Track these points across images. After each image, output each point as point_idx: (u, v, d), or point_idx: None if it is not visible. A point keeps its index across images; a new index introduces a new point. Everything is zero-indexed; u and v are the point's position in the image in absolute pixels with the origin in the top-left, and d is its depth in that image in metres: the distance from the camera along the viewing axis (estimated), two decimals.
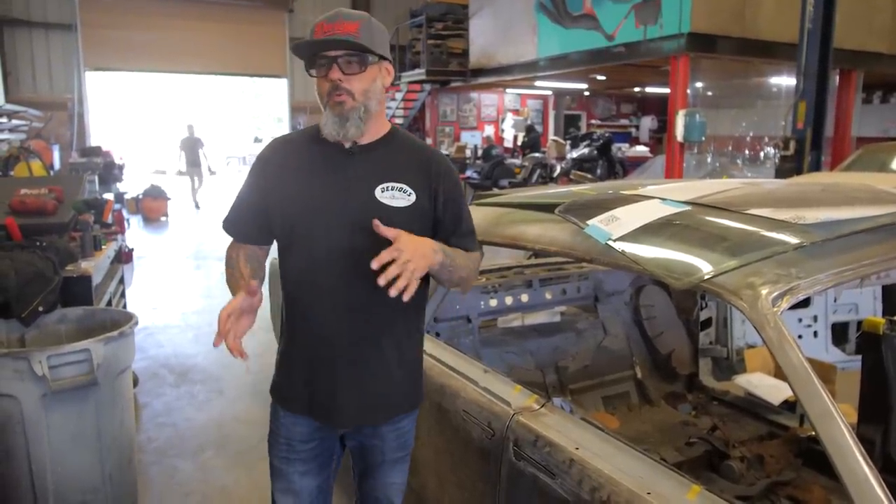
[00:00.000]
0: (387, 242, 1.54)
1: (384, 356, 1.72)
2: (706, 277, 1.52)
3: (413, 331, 1.80)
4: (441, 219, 1.72)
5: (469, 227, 1.79)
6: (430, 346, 2.36)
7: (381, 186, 1.64)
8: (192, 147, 13.96)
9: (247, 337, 1.70)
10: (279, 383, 1.82)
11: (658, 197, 1.99)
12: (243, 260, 1.79)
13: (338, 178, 1.66)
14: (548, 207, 2.17)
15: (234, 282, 1.76)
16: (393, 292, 1.45)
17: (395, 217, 1.62)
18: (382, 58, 1.65)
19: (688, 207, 1.87)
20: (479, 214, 2.49)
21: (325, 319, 1.68)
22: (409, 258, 1.47)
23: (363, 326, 1.68)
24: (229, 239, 1.84)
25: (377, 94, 1.64)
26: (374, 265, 1.46)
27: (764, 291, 1.42)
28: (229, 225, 1.81)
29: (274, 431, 1.83)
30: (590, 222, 1.89)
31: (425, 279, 1.70)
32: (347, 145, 1.66)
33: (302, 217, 1.66)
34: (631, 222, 1.82)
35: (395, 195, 1.65)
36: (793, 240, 1.58)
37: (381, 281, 1.45)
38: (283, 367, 1.80)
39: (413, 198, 1.66)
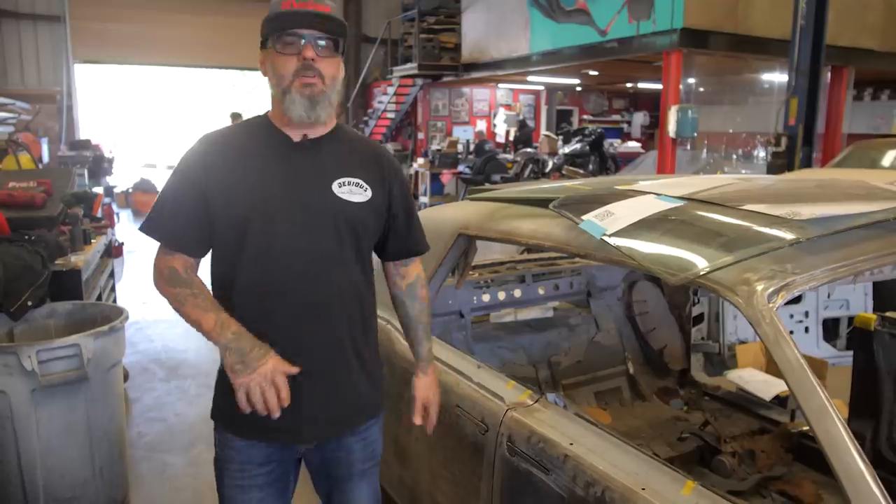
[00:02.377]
0: (349, 236, 1.57)
1: (346, 360, 1.62)
2: (702, 273, 1.52)
3: (370, 329, 1.70)
4: (396, 215, 1.70)
5: (419, 222, 1.79)
6: None
7: (338, 181, 1.57)
8: None
9: None
10: (224, 407, 1.60)
11: (653, 192, 1.98)
12: (200, 283, 1.54)
13: (291, 174, 1.55)
14: (542, 202, 2.16)
15: (204, 306, 1.50)
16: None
17: (353, 212, 1.58)
18: (343, 49, 1.59)
19: (683, 203, 1.87)
20: (473, 209, 2.48)
21: (288, 325, 1.53)
22: (436, 405, 1.83)
23: (323, 330, 1.57)
24: None
25: (339, 86, 1.59)
26: (417, 421, 1.83)
27: (760, 287, 1.42)
28: (158, 229, 1.55)
29: (222, 458, 1.64)
30: (585, 217, 1.88)
31: (364, 264, 1.66)
32: (297, 139, 1.57)
33: (256, 216, 1.51)
34: (626, 218, 1.81)
35: (353, 190, 1.59)
36: (788, 236, 1.58)
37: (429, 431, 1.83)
38: (229, 388, 1.49)
39: (369, 193, 1.61)
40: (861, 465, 1.18)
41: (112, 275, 4.66)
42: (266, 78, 1.57)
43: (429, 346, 1.84)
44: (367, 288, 1.67)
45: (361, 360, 1.66)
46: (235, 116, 12.47)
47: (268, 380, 1.43)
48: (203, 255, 1.60)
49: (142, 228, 1.56)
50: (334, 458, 1.70)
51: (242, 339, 1.46)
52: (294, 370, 1.48)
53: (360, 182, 1.60)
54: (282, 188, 1.53)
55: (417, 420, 1.79)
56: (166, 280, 1.55)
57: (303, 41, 1.49)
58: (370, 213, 1.62)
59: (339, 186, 1.57)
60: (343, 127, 1.69)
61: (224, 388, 1.56)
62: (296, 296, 1.54)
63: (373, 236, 1.67)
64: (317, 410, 1.58)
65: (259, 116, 1.65)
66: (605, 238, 1.77)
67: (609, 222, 1.82)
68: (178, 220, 1.54)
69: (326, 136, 1.62)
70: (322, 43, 1.51)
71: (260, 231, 1.52)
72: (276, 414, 1.45)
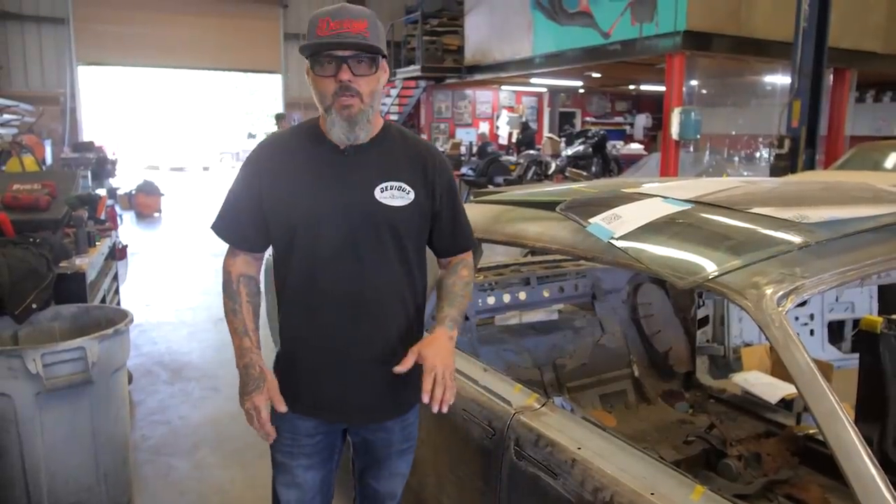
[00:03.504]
0: (391, 239, 1.64)
1: (392, 353, 1.69)
2: (711, 277, 1.51)
3: (415, 324, 1.79)
4: (440, 213, 1.73)
5: (466, 219, 1.82)
6: None
7: (380, 186, 1.64)
8: None
9: None
10: (282, 383, 1.75)
11: (660, 195, 1.98)
12: (245, 298, 1.72)
13: (336, 181, 1.63)
14: (548, 205, 2.16)
15: (236, 327, 1.71)
16: (445, 409, 1.57)
17: (395, 217, 1.64)
18: (383, 56, 1.63)
19: (690, 206, 1.87)
20: (479, 211, 2.47)
21: (332, 322, 1.66)
22: (443, 371, 1.57)
23: (370, 326, 1.67)
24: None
25: (380, 95, 1.65)
26: (425, 399, 1.55)
27: (769, 291, 1.42)
28: (225, 230, 1.73)
29: (277, 427, 1.78)
30: (592, 220, 1.88)
31: (410, 264, 1.71)
32: (343, 146, 1.64)
33: (304, 222, 1.63)
34: (633, 221, 1.81)
35: (395, 194, 1.64)
36: (797, 239, 1.58)
37: (434, 408, 1.56)
38: (286, 371, 1.77)
39: (412, 196, 1.66)
40: (872, 469, 1.18)
41: (116, 277, 4.65)
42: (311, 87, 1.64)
43: (449, 312, 1.71)
44: (410, 286, 1.73)
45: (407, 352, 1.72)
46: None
47: (248, 412, 1.69)
48: (264, 248, 1.77)
49: (212, 227, 1.74)
50: (374, 439, 1.82)
51: (248, 371, 1.68)
52: (283, 409, 1.69)
53: (403, 185, 1.65)
54: (327, 195, 1.62)
55: (400, 367, 1.59)
56: (223, 285, 1.76)
57: (339, 63, 1.54)
58: (413, 215, 1.67)
59: (382, 192, 1.63)
60: (390, 127, 1.74)
61: (279, 370, 1.77)
62: (339, 297, 1.65)
63: (418, 236, 1.72)
64: (363, 399, 1.73)
65: (311, 121, 1.73)
66: (613, 241, 1.77)
67: (616, 225, 1.82)
68: (239, 220, 1.71)
69: (374, 140, 1.68)
70: (360, 60, 1.55)
71: (306, 237, 1.63)
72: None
